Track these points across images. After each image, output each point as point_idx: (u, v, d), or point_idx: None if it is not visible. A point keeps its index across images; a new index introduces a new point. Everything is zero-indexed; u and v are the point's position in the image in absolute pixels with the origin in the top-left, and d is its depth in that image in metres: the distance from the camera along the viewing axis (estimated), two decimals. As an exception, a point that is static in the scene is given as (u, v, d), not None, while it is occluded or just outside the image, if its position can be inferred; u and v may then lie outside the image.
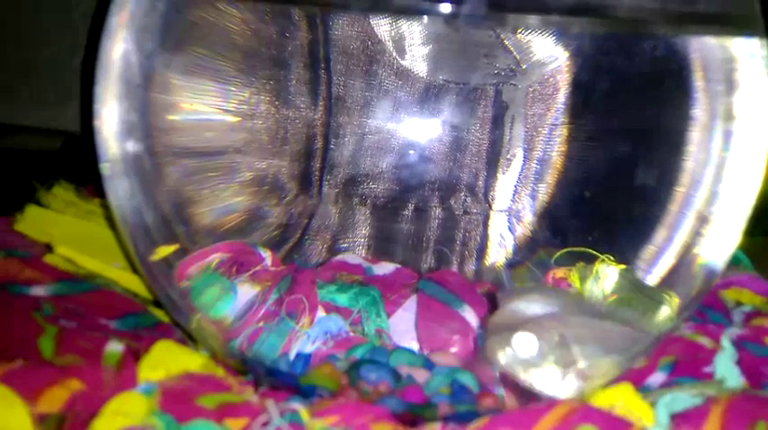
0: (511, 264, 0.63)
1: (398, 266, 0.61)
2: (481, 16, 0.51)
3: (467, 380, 0.49)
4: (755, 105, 0.51)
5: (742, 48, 0.50)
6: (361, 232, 0.64)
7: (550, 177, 0.61)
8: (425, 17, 0.61)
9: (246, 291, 0.53)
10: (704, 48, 0.52)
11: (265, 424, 0.41)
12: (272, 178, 0.62)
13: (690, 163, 0.53)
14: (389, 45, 0.61)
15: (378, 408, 0.44)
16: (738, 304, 0.63)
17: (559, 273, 0.56)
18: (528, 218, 0.63)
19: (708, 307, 0.60)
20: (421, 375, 0.49)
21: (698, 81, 0.52)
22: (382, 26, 0.61)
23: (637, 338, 0.49)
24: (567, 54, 0.60)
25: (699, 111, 0.52)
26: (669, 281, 0.54)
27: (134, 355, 0.47)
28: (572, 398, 0.45)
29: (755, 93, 0.50)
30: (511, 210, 0.63)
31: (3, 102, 0.91)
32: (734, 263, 0.63)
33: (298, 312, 0.51)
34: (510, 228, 0.64)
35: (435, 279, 0.57)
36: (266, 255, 0.56)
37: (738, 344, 0.54)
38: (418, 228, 0.64)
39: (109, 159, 0.52)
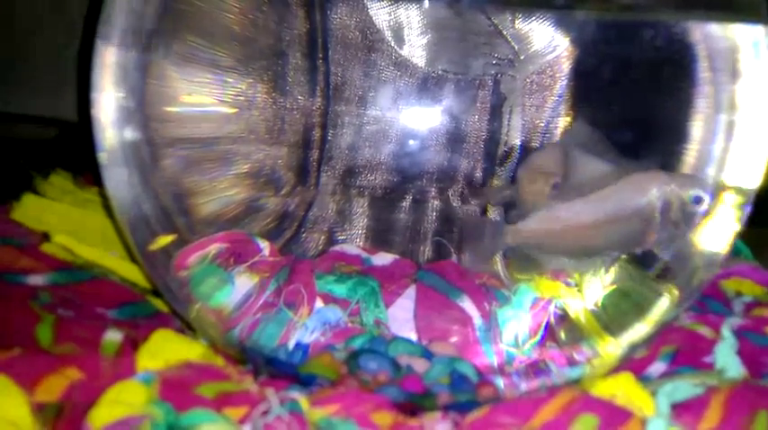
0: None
1: (397, 257, 0.61)
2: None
3: (466, 369, 0.49)
4: (758, 95, 0.50)
5: (745, 35, 0.50)
6: (359, 223, 0.64)
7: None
8: (427, 1, 0.61)
9: (245, 282, 0.53)
10: (707, 36, 0.52)
11: (265, 412, 0.40)
12: (269, 169, 0.62)
13: (692, 153, 0.53)
14: (388, 34, 0.61)
15: (378, 397, 0.44)
16: (739, 294, 0.63)
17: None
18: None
19: (708, 297, 0.60)
20: (420, 365, 0.49)
21: (701, 70, 0.52)
22: (381, 15, 0.61)
23: None
24: (565, 44, 0.60)
25: (701, 101, 0.52)
26: (670, 271, 0.54)
27: (132, 344, 0.47)
28: (573, 388, 0.45)
29: (759, 82, 0.50)
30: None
31: (-1, 90, 0.91)
32: (734, 253, 0.63)
33: (296, 303, 0.51)
34: (507, 220, 0.64)
35: (434, 270, 0.57)
36: (264, 245, 0.56)
37: (739, 334, 0.54)
38: (416, 219, 0.64)
39: (106, 148, 0.51)
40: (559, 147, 0.55)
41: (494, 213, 0.64)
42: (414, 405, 0.46)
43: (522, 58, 0.61)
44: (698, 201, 0.50)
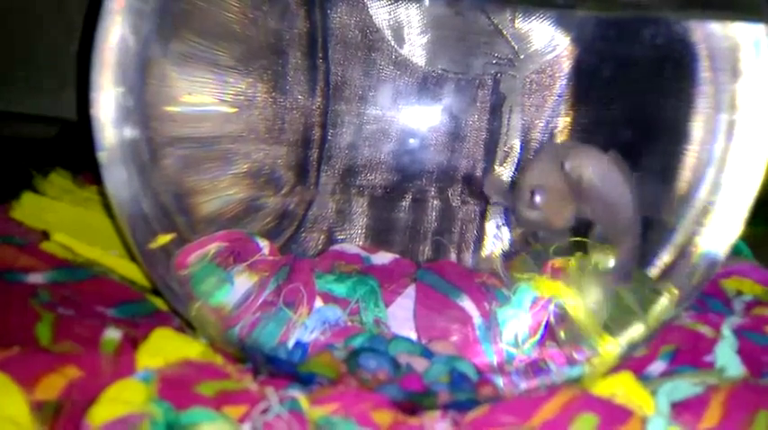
0: (507, 255, 0.63)
1: (397, 256, 0.61)
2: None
3: (466, 368, 0.49)
4: (759, 94, 0.50)
5: (746, 34, 0.50)
6: (359, 222, 0.64)
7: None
8: (427, 0, 0.61)
9: (244, 281, 0.53)
10: (708, 35, 0.52)
11: (265, 411, 0.40)
12: (269, 169, 0.62)
13: (692, 153, 0.53)
14: (388, 33, 0.61)
15: (377, 396, 0.44)
16: (739, 293, 0.63)
17: (558, 263, 0.56)
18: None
19: (709, 296, 0.60)
20: (420, 364, 0.49)
21: (702, 69, 0.52)
22: (381, 14, 0.61)
23: None
24: (565, 43, 0.60)
25: (702, 101, 0.52)
26: (670, 271, 0.54)
27: (132, 343, 0.47)
28: (572, 387, 0.44)
29: (759, 81, 0.50)
30: (507, 201, 0.63)
31: (-2, 89, 0.91)
32: (735, 252, 0.63)
33: (296, 302, 0.51)
34: (506, 219, 0.64)
35: (434, 269, 0.57)
36: (264, 244, 0.56)
37: (739, 333, 0.54)
38: (416, 218, 0.64)
39: (106, 147, 0.51)
40: (550, 157, 0.55)
41: (494, 214, 0.64)
42: (413, 404, 0.46)
43: (522, 57, 0.61)
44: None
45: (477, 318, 0.53)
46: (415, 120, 0.59)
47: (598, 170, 0.53)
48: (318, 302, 0.52)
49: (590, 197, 0.53)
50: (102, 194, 0.60)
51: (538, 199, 0.53)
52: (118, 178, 0.52)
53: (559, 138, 0.62)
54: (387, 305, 0.54)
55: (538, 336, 0.51)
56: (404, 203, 0.64)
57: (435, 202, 0.64)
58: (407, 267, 0.60)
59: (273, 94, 0.60)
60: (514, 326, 0.52)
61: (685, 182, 0.53)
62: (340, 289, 0.54)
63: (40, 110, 0.90)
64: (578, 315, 0.51)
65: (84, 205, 0.65)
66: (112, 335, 0.47)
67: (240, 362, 0.49)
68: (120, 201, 0.52)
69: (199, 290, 0.52)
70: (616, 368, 0.50)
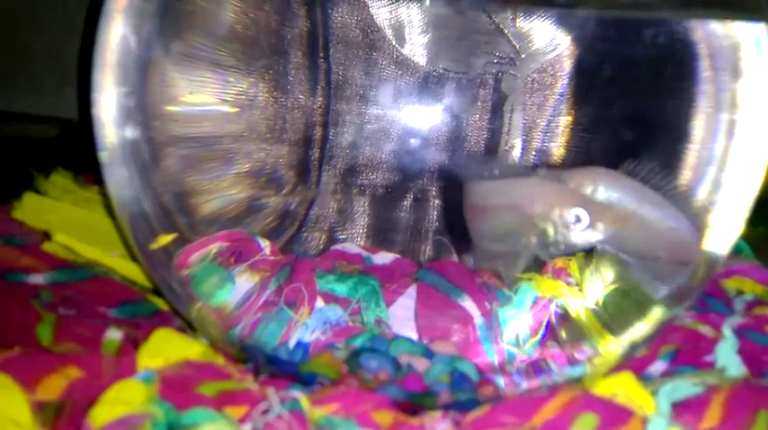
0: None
1: (398, 256, 0.61)
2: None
3: (467, 368, 0.48)
4: (760, 93, 0.50)
5: (747, 33, 0.50)
6: (360, 222, 0.64)
7: (549, 168, 0.61)
8: (428, 0, 0.61)
9: (246, 281, 0.53)
10: (708, 34, 0.52)
11: (266, 411, 0.40)
12: (270, 168, 0.62)
13: (693, 152, 0.53)
14: (389, 33, 0.61)
15: (378, 397, 0.44)
16: (740, 293, 0.63)
17: (559, 262, 0.56)
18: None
19: (709, 296, 0.60)
20: (421, 364, 0.49)
21: (703, 69, 0.52)
22: (382, 13, 0.61)
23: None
24: (566, 43, 0.60)
25: (702, 100, 0.52)
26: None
27: (133, 343, 0.47)
28: (573, 387, 0.44)
29: (760, 80, 0.50)
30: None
31: (-1, 89, 0.91)
32: (735, 252, 0.63)
33: (297, 302, 0.51)
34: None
35: (435, 269, 0.57)
36: (265, 244, 0.56)
37: (740, 333, 0.54)
38: (417, 217, 0.64)
39: (107, 147, 0.51)
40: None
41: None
42: (414, 404, 0.46)
43: (523, 56, 0.61)
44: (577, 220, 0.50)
45: (478, 317, 0.53)
46: (416, 119, 0.59)
47: (616, 185, 0.50)
48: (319, 302, 0.52)
49: (608, 216, 0.50)
50: (104, 194, 0.60)
51: (586, 216, 0.50)
52: (119, 178, 0.52)
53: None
54: (388, 305, 0.54)
55: (539, 336, 0.51)
56: (405, 203, 0.64)
57: (437, 202, 0.64)
58: (409, 267, 0.60)
59: (275, 93, 0.60)
60: (515, 326, 0.52)
61: (686, 181, 0.53)
62: (341, 289, 0.54)
63: (40, 110, 0.90)
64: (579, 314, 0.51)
65: (86, 205, 0.65)
66: (113, 335, 0.47)
67: (241, 362, 0.49)
68: (121, 201, 0.52)
69: (200, 290, 0.52)
70: (617, 368, 0.50)
